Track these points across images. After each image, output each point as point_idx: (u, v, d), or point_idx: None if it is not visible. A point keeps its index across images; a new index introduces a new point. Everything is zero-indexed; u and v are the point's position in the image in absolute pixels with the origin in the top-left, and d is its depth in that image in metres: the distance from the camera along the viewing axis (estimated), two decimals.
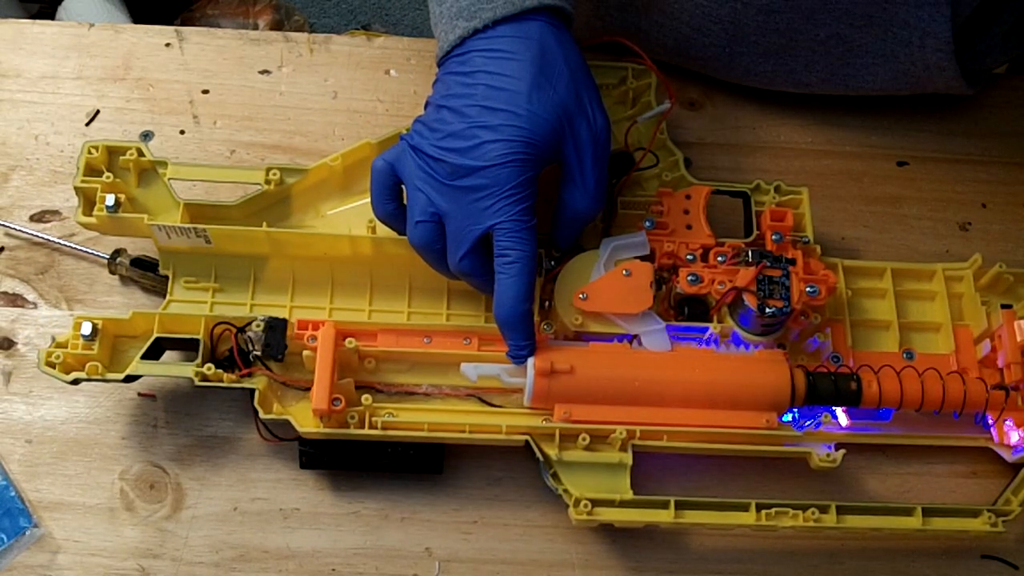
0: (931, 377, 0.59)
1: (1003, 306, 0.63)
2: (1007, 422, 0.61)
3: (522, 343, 0.57)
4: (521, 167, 0.54)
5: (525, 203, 0.54)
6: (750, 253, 0.60)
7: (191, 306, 0.60)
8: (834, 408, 0.61)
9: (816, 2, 0.65)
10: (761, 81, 0.72)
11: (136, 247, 0.65)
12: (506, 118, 0.54)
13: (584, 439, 0.57)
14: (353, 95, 0.72)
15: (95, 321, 0.57)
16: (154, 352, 0.58)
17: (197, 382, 0.57)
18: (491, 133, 0.54)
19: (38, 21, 0.74)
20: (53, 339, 0.57)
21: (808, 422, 0.60)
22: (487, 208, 0.54)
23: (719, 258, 0.61)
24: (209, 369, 0.57)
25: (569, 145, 0.56)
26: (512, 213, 0.54)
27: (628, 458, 0.57)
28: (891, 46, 0.67)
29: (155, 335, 0.58)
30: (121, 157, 0.61)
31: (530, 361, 0.57)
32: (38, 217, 0.67)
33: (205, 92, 0.71)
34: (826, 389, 0.58)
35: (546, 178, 0.57)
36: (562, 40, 0.57)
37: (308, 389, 0.57)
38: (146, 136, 0.69)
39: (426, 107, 0.58)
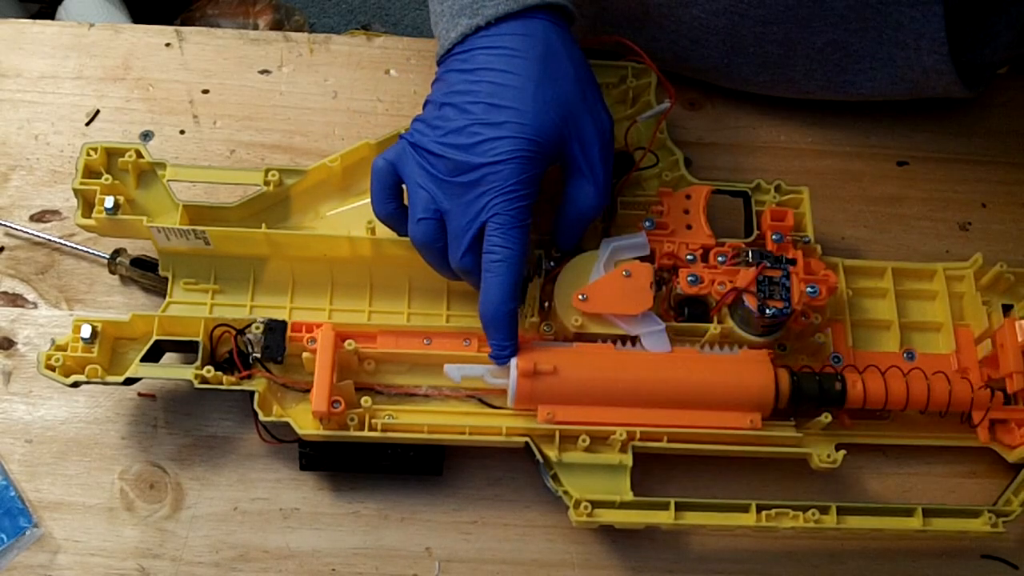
0: (916, 377, 0.59)
1: (1004, 306, 0.63)
2: (1008, 422, 0.61)
3: (505, 343, 0.56)
4: (524, 164, 0.54)
5: (522, 202, 0.54)
6: (750, 253, 0.60)
7: (190, 308, 0.60)
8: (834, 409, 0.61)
9: (812, 10, 0.65)
10: (760, 89, 0.72)
11: (136, 247, 0.65)
12: (511, 115, 0.54)
13: (584, 440, 0.57)
14: (353, 95, 0.72)
15: (94, 324, 0.57)
16: (154, 354, 0.58)
17: (197, 384, 0.57)
18: (495, 130, 0.54)
19: (38, 21, 0.74)
20: (52, 341, 0.57)
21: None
22: (484, 204, 0.54)
23: (719, 258, 0.60)
24: (209, 371, 0.57)
25: (574, 142, 0.56)
26: (507, 209, 0.54)
27: (628, 459, 0.57)
28: (887, 49, 0.67)
29: (154, 337, 0.58)
30: (120, 159, 0.61)
31: (513, 362, 0.57)
32: (38, 217, 0.67)
33: (205, 92, 0.71)
34: (810, 389, 0.58)
35: (548, 178, 0.57)
36: (565, 38, 0.57)
37: (308, 391, 0.57)
38: (146, 136, 0.69)
39: (425, 106, 0.58)
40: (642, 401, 0.58)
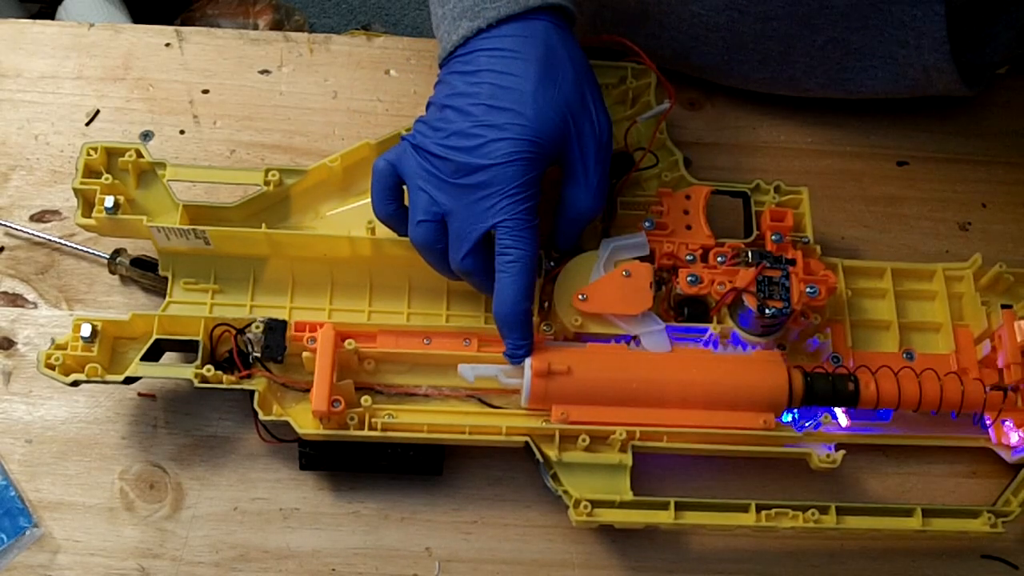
0: (929, 377, 0.59)
1: (1003, 306, 0.63)
2: (1007, 423, 0.61)
3: (520, 343, 0.57)
4: (526, 166, 0.54)
5: (528, 202, 0.54)
6: (750, 253, 0.60)
7: (190, 307, 0.60)
8: (834, 408, 0.61)
9: (813, 7, 0.65)
10: (760, 87, 0.72)
11: (136, 247, 0.65)
12: (512, 117, 0.54)
13: (584, 440, 0.57)
14: (353, 95, 0.72)
15: (94, 323, 0.57)
16: (154, 353, 0.58)
17: (197, 384, 0.57)
18: (496, 132, 0.54)
19: (38, 21, 0.74)
20: (52, 340, 0.57)
21: (808, 423, 0.60)
22: (491, 207, 0.54)
23: (719, 259, 0.60)
24: (209, 371, 0.57)
25: (573, 144, 0.56)
26: (515, 212, 0.54)
27: (628, 459, 0.57)
28: (888, 47, 0.67)
29: (154, 337, 0.58)
30: (120, 158, 0.61)
31: (527, 362, 0.57)
32: (38, 217, 0.67)
33: (205, 92, 0.71)
34: (824, 390, 0.58)
35: (547, 178, 0.57)
36: (565, 39, 0.57)
37: (308, 390, 0.57)
38: (146, 136, 0.69)
39: (428, 108, 0.58)
40: (656, 401, 0.58)
